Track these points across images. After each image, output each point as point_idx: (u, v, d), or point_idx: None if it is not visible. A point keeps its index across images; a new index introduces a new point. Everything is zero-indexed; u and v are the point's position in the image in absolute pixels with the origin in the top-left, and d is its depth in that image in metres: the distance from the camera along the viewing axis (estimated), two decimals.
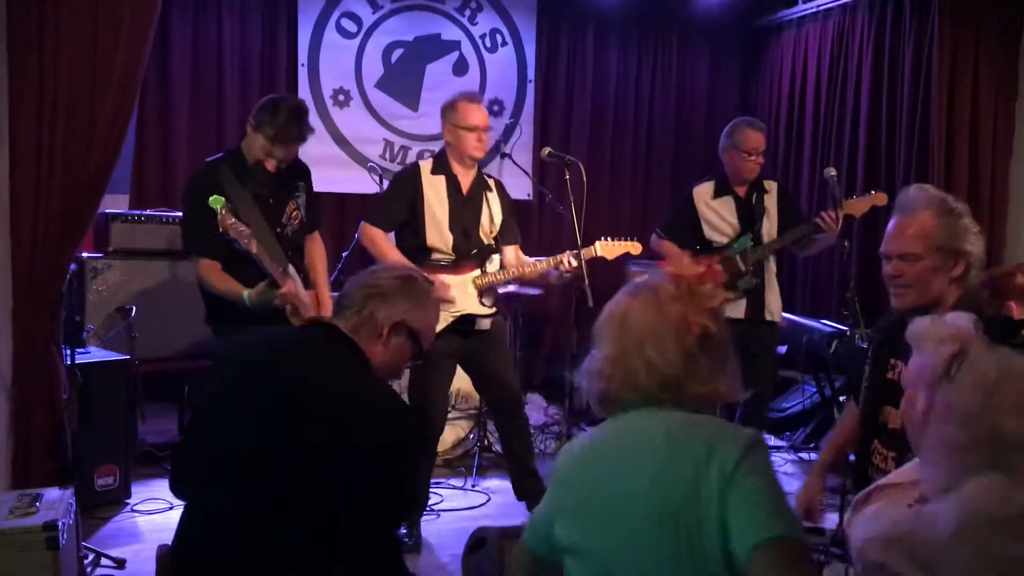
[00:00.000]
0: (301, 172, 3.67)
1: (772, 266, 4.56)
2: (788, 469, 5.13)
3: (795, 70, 6.66)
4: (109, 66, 3.43)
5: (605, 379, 1.63)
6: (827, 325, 5.43)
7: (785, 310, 5.82)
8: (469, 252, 3.81)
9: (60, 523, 2.81)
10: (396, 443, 1.87)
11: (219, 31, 6.07)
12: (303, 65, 6.30)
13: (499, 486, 4.71)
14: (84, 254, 4.66)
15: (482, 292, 3.82)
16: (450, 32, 6.69)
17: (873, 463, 2.33)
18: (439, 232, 3.76)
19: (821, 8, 6.36)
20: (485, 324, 3.85)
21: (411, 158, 6.63)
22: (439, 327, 3.71)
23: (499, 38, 6.83)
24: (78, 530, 3.17)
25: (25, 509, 2.88)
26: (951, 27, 4.90)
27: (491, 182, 3.94)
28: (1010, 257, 4.91)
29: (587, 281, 3.62)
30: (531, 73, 6.90)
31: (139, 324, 4.68)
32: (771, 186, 4.60)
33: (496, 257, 3.90)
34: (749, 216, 4.50)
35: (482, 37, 6.78)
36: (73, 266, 3.65)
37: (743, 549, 1.43)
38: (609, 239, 4.01)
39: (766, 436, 5.58)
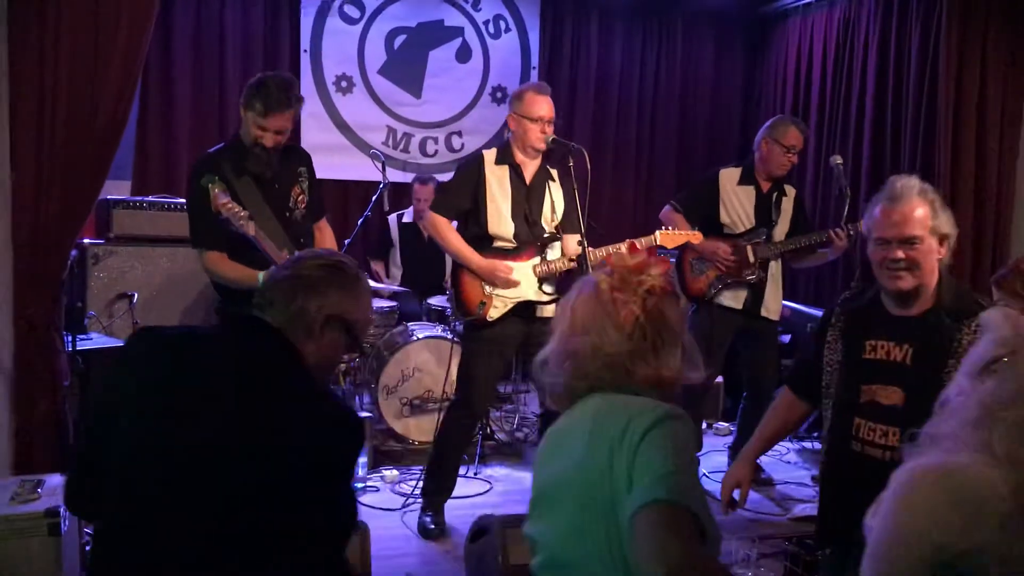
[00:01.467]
0: (303, 158, 3.65)
1: (777, 267, 4.57)
2: (791, 458, 5.12)
3: (800, 58, 6.62)
4: (110, 50, 3.41)
5: (557, 371, 1.70)
6: None
7: (789, 298, 5.80)
8: (530, 240, 3.83)
9: (62, 509, 2.80)
10: (332, 457, 1.66)
11: (221, 17, 6.04)
12: (305, 51, 6.28)
13: (502, 474, 4.72)
14: (86, 240, 4.65)
15: (542, 279, 3.83)
16: (453, 18, 6.66)
17: (860, 438, 2.43)
18: (501, 221, 3.78)
19: None
20: (548, 311, 3.86)
21: (414, 145, 6.62)
22: (498, 312, 3.75)
23: (502, 24, 6.79)
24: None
25: (27, 495, 2.87)
26: (959, 15, 4.86)
27: (554, 172, 3.95)
28: (1015, 245, 4.88)
29: (591, 271, 3.61)
30: (535, 60, 6.87)
31: (141, 310, 4.68)
32: (791, 191, 4.64)
33: (557, 245, 3.90)
34: (766, 212, 4.52)
35: (485, 23, 6.74)
36: (74, 252, 3.64)
37: (627, 515, 1.42)
38: (670, 229, 4.06)
39: None
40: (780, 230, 4.55)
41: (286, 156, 3.53)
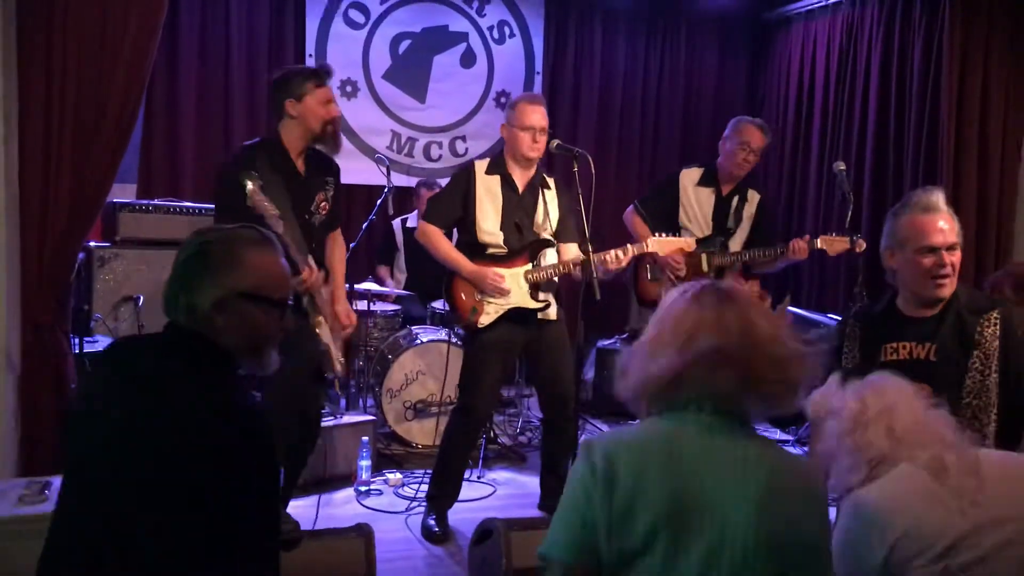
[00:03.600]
0: (332, 168, 3.67)
1: (737, 275, 4.57)
2: None
3: (803, 63, 6.63)
4: (118, 54, 3.43)
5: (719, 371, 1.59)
6: (834, 319, 5.43)
7: (792, 304, 5.80)
8: (522, 247, 3.85)
9: None
10: (217, 458, 1.60)
11: (227, 21, 6.07)
12: (310, 56, 6.30)
13: (505, 478, 4.73)
14: (92, 243, 4.67)
15: (535, 286, 3.84)
16: (458, 23, 6.69)
17: None
18: (490, 229, 3.81)
19: (830, 1, 6.33)
20: (551, 315, 3.89)
21: (418, 150, 6.64)
22: (489, 319, 3.78)
23: (507, 30, 6.82)
24: None
25: (35, 497, 2.89)
26: (962, 21, 4.88)
27: (550, 181, 3.97)
28: (1018, 249, 4.90)
29: (596, 275, 3.62)
30: (539, 65, 6.89)
31: (146, 313, 4.69)
32: (753, 197, 4.61)
33: (551, 251, 3.91)
34: (723, 218, 4.52)
35: (490, 29, 6.77)
36: (81, 255, 3.65)
37: None
38: (661, 234, 4.04)
39: (770, 430, 5.59)
40: (738, 239, 4.53)
41: (318, 161, 3.56)
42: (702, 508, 1.52)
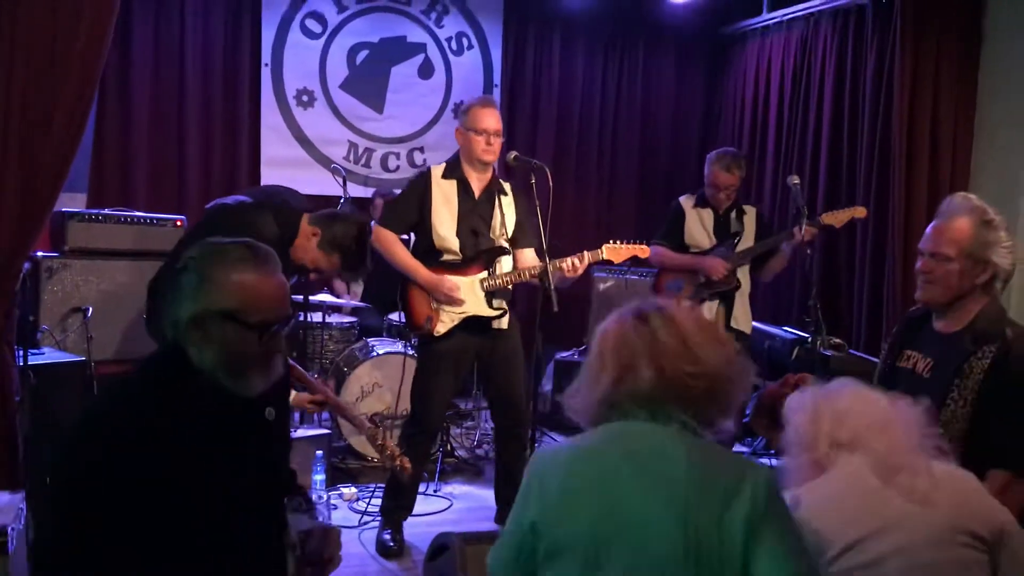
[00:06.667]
0: None
1: (746, 280, 4.66)
2: None
3: (759, 78, 6.71)
4: (68, 57, 3.36)
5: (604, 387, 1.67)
6: (789, 332, 5.47)
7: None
8: (477, 254, 3.83)
9: (10, 529, 2.75)
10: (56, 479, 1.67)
11: (181, 29, 5.99)
12: (266, 65, 6.24)
13: (461, 491, 4.69)
14: (39, 253, 4.56)
15: (490, 294, 3.82)
16: (416, 34, 6.67)
17: None
18: (446, 235, 3.79)
19: (785, 18, 6.41)
20: (504, 323, 3.87)
21: (375, 160, 6.60)
22: (445, 327, 3.75)
23: (465, 41, 6.81)
24: (28, 535, 3.09)
25: None
26: (912, 39, 4.97)
27: (507, 186, 3.96)
28: None
29: (553, 285, 3.61)
30: (497, 77, 6.89)
31: (96, 325, 4.59)
32: (750, 210, 4.75)
33: (507, 259, 3.88)
34: (726, 228, 4.66)
35: (448, 40, 6.76)
36: (27, 265, 3.57)
37: None
38: (616, 242, 3.99)
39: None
40: (745, 243, 4.64)
41: None
42: (626, 526, 1.55)
